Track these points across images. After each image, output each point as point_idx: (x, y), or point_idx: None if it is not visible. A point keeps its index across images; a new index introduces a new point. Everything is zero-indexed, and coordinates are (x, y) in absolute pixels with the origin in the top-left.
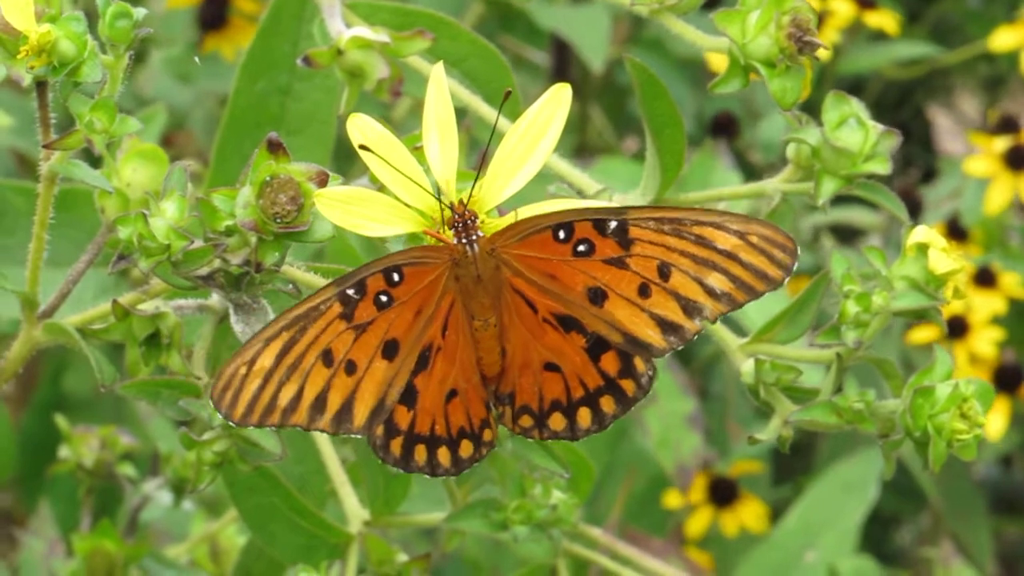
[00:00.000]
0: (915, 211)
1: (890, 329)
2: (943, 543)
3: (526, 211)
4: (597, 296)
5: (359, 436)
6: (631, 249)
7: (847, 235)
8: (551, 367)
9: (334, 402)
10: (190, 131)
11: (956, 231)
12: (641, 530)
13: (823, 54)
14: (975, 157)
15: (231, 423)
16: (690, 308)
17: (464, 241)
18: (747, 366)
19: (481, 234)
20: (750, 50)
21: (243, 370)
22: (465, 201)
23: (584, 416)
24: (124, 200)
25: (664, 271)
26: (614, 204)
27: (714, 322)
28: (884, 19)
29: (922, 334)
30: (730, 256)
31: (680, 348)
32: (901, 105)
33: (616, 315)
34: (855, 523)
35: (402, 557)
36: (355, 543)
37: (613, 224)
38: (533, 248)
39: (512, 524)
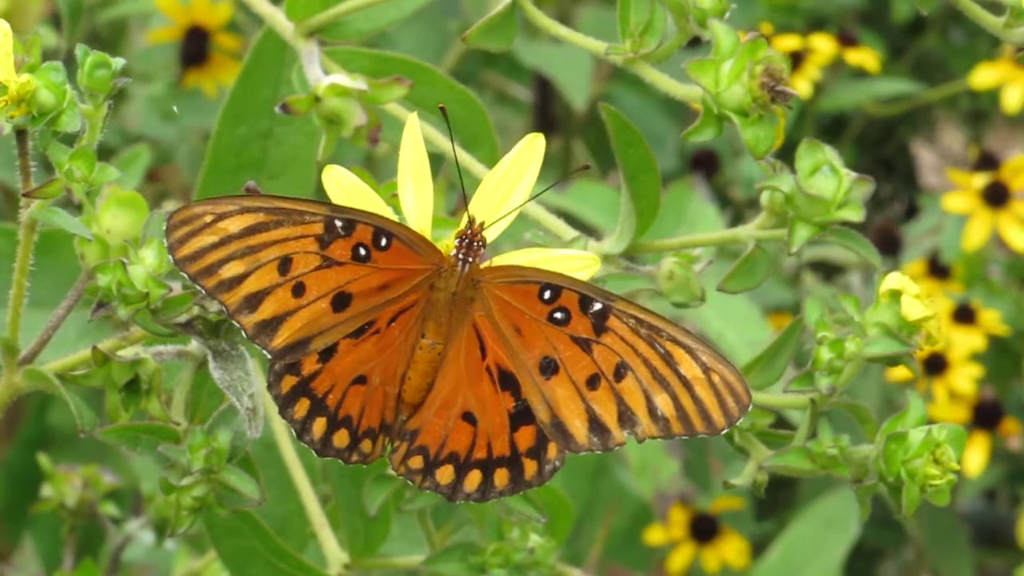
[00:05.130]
0: (895, 248)
1: (869, 366)
2: None
3: (501, 260)
4: (548, 367)
5: (268, 356)
6: (601, 337)
7: (829, 270)
8: (469, 417)
9: (266, 310)
10: (176, 166)
11: (937, 268)
12: (623, 566)
13: (802, 93)
14: (954, 193)
15: (170, 257)
16: (626, 417)
17: (460, 256)
18: None
19: (477, 260)
20: (723, 99)
21: (208, 218)
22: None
23: (472, 480)
24: (104, 247)
25: (620, 371)
26: (600, 286)
27: (640, 442)
28: (865, 57)
29: (902, 371)
30: (686, 384)
31: (596, 452)
32: (884, 141)
33: (556, 393)
34: (837, 558)
35: None
36: None
37: (597, 306)
38: (515, 296)
39: (490, 567)
